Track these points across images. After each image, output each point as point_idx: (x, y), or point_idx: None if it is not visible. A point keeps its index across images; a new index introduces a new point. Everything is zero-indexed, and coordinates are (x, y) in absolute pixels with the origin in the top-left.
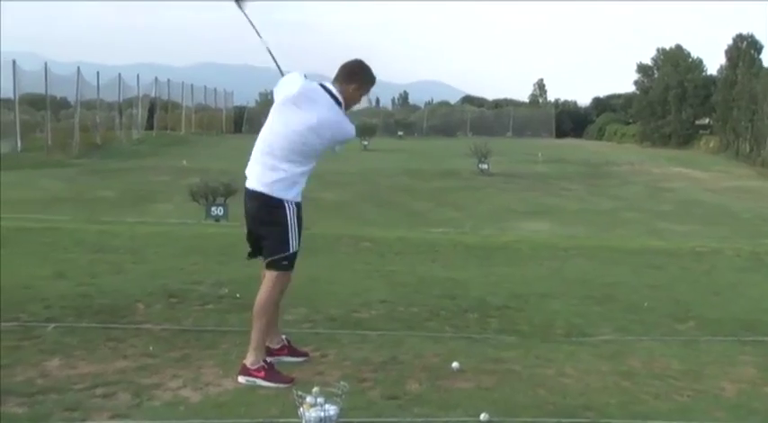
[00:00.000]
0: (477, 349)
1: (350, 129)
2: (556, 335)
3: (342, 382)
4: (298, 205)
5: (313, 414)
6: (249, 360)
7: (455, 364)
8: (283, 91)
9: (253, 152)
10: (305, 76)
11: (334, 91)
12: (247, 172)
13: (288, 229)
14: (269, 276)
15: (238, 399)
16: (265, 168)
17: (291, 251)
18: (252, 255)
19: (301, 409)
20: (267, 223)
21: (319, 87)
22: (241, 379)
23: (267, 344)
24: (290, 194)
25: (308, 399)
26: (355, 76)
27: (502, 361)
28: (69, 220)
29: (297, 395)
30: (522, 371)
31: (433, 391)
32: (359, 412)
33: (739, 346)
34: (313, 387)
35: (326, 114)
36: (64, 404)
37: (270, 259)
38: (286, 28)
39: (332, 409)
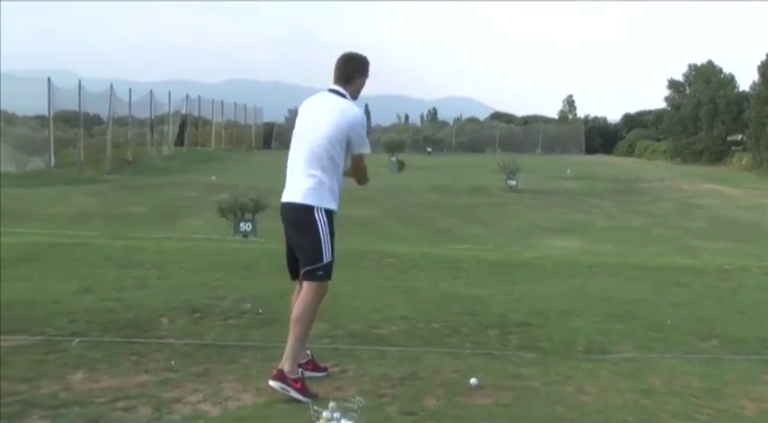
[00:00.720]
0: (497, 366)
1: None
2: (576, 352)
3: (358, 398)
4: (328, 213)
5: None
6: (287, 367)
7: (473, 381)
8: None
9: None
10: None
11: (342, 91)
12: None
13: (320, 237)
14: (306, 287)
15: (257, 413)
16: (299, 178)
17: (326, 260)
18: (293, 277)
19: None
20: (301, 232)
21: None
22: (275, 384)
23: None
24: (323, 203)
25: (325, 414)
26: (362, 70)
27: (521, 377)
28: (98, 236)
29: (313, 410)
30: (540, 388)
31: (450, 407)
32: None
33: (762, 364)
34: (330, 402)
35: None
36: (86, 417)
37: (306, 269)
38: (316, 48)
39: None
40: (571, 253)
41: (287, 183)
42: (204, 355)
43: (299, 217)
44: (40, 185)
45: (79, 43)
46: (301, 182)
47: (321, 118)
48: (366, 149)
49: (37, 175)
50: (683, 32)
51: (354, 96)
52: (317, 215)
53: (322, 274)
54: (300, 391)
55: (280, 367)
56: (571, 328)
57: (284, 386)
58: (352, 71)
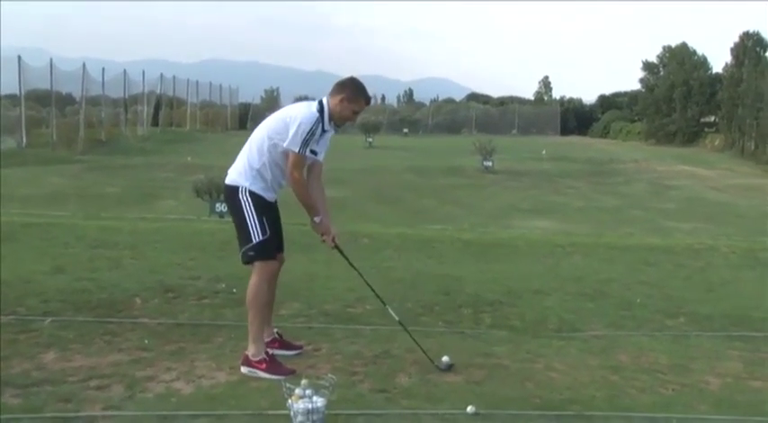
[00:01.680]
0: (469, 344)
1: (300, 128)
2: (547, 330)
3: (329, 375)
4: (254, 195)
5: (301, 406)
6: (250, 351)
7: (445, 358)
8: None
9: None
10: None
11: (323, 100)
12: None
13: (245, 217)
14: (252, 272)
15: (230, 391)
16: (236, 161)
17: (255, 241)
18: None
19: (290, 400)
20: (231, 212)
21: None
22: (244, 369)
23: None
24: (246, 182)
25: (297, 391)
26: (342, 88)
27: (492, 355)
28: (71, 216)
29: (286, 387)
30: (511, 365)
31: (421, 384)
32: (347, 404)
33: (728, 341)
34: (302, 379)
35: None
36: (58, 396)
37: (241, 251)
38: (295, 28)
39: (319, 401)
40: (545, 233)
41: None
42: (178, 335)
43: (228, 196)
44: (11, 166)
45: (51, 20)
46: (235, 165)
47: (275, 114)
48: (292, 147)
49: (8, 156)
50: (658, 14)
51: (333, 116)
52: (241, 196)
53: (253, 254)
54: (268, 370)
55: (245, 352)
56: (543, 306)
57: (251, 369)
58: (334, 90)
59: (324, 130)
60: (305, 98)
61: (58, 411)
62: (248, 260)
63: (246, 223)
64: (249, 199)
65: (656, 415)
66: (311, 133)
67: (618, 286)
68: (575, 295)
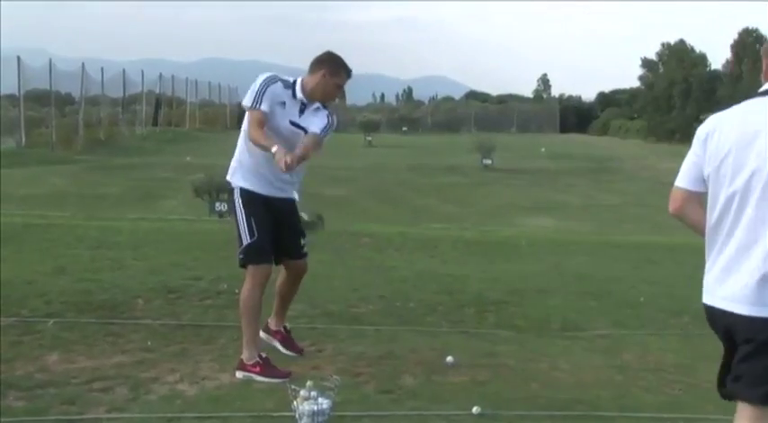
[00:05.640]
0: (473, 344)
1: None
2: (551, 330)
3: (334, 376)
4: (245, 192)
5: (306, 407)
6: (245, 355)
7: (449, 359)
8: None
9: None
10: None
11: (292, 79)
12: None
13: (237, 219)
14: (246, 273)
15: (234, 393)
16: None
17: (245, 243)
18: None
19: (295, 402)
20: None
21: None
22: (238, 374)
23: (268, 323)
24: (238, 180)
25: (302, 392)
26: (321, 64)
27: (496, 355)
28: (72, 217)
29: (291, 389)
30: (515, 365)
31: (427, 385)
32: (353, 406)
33: None
34: (307, 381)
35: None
36: (62, 398)
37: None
38: (297, 26)
39: (325, 403)
40: (547, 232)
41: None
42: (181, 336)
43: (228, 195)
44: (11, 166)
45: (50, 20)
46: (231, 162)
47: None
48: (244, 101)
49: (8, 156)
50: (657, 11)
51: (316, 94)
52: (235, 196)
53: (242, 257)
54: (262, 373)
55: (240, 357)
56: (547, 305)
57: (246, 373)
58: (312, 67)
59: (297, 99)
60: None
61: (61, 414)
62: (240, 264)
63: (238, 225)
64: (239, 199)
65: (663, 415)
66: (265, 87)
67: (622, 285)
68: (579, 294)
